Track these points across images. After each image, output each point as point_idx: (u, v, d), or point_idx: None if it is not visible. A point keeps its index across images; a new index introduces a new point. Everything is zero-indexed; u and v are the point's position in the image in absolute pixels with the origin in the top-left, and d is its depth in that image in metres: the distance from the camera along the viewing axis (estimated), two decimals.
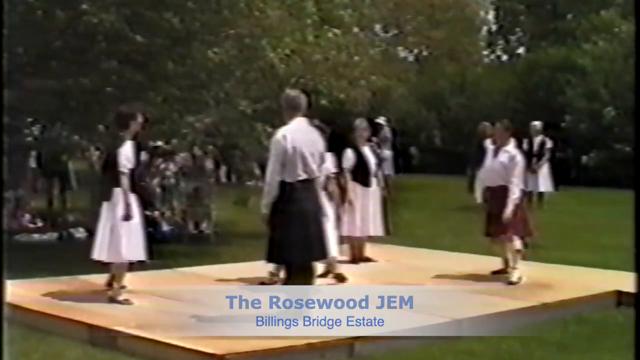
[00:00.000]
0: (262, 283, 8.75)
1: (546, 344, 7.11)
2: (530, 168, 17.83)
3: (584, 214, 16.31)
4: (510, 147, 9.38)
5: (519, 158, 9.35)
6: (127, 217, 7.79)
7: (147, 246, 8.02)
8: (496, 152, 9.43)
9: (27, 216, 13.61)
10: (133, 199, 7.89)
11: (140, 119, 8.20)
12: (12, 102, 8.83)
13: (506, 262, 9.32)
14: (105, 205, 7.91)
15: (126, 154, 7.94)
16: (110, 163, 7.95)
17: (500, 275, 9.29)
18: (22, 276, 7.97)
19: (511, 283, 9.03)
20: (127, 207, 7.80)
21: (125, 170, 7.88)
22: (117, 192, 7.84)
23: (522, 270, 9.20)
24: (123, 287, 8.02)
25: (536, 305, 8.11)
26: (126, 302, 7.83)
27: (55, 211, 14.85)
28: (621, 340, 6.62)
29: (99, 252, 7.90)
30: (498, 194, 9.18)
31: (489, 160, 9.49)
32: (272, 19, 11.24)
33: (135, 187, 7.94)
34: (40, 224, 13.58)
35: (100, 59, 11.19)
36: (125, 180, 7.85)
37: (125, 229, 7.80)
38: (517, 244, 9.29)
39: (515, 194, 9.13)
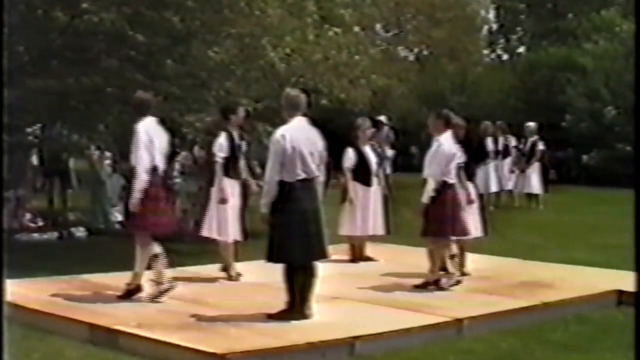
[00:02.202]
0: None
1: (547, 343, 7.11)
2: (519, 167, 17.88)
3: (584, 213, 16.30)
4: (444, 137, 8.72)
5: (443, 148, 8.63)
6: (222, 200, 8.79)
7: (242, 228, 9.05)
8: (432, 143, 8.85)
9: (28, 215, 13.61)
10: (228, 184, 8.85)
11: (242, 113, 9.20)
12: (12, 102, 8.82)
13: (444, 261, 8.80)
14: (211, 190, 9.01)
15: (220, 144, 8.92)
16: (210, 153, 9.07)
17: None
18: (22, 275, 7.97)
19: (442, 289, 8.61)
20: (221, 191, 8.86)
21: (219, 159, 8.90)
22: (219, 177, 8.91)
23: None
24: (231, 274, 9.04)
25: (537, 304, 8.11)
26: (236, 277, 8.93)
27: (56, 210, 14.85)
28: (622, 339, 6.61)
29: (207, 230, 9.07)
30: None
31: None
32: (272, 18, 11.24)
33: (231, 174, 8.91)
34: (40, 223, 13.58)
35: (100, 58, 11.21)
36: (218, 168, 8.89)
37: (222, 211, 8.83)
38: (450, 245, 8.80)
39: (431, 186, 8.56)
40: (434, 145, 8.70)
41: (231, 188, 9.05)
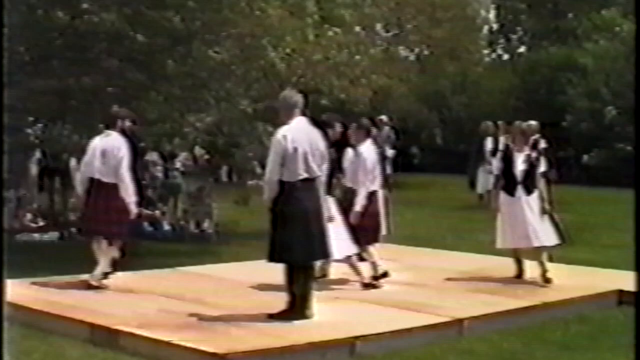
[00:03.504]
0: None
1: (548, 343, 7.11)
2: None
3: (584, 213, 16.28)
4: (364, 146, 8.76)
5: (365, 156, 8.66)
6: (330, 219, 8.00)
7: (351, 241, 8.50)
8: (352, 152, 8.83)
9: (29, 215, 13.61)
10: (330, 202, 8.14)
11: (338, 128, 8.87)
12: (13, 102, 8.83)
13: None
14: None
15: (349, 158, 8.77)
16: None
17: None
18: (23, 275, 7.97)
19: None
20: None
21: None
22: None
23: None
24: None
25: (537, 304, 8.11)
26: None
27: (57, 210, 14.84)
28: (622, 339, 6.61)
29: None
30: (350, 195, 8.67)
31: (346, 161, 8.85)
32: (273, 18, 11.24)
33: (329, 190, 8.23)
34: (41, 223, 13.58)
35: (101, 58, 11.20)
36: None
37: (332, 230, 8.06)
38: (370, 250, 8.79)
39: (361, 195, 8.57)
40: (353, 154, 8.72)
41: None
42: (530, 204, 9.02)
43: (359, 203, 8.59)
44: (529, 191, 9.03)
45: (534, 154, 9.30)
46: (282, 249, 7.12)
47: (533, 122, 18.28)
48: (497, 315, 7.70)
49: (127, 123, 9.08)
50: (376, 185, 8.86)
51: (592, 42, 25.79)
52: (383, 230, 10.46)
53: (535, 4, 33.19)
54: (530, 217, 8.97)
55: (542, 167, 9.21)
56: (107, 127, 9.04)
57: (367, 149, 8.81)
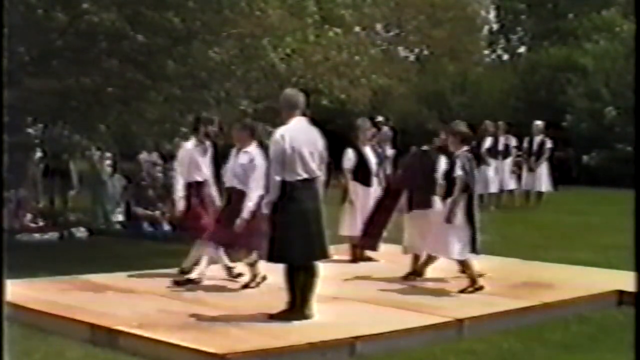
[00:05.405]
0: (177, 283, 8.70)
1: (548, 344, 7.11)
2: (528, 166, 17.91)
3: (584, 214, 16.29)
4: (251, 148, 8.45)
5: (259, 161, 8.31)
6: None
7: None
8: (237, 153, 8.54)
9: (29, 215, 13.62)
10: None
11: (443, 135, 9.11)
12: (13, 102, 8.83)
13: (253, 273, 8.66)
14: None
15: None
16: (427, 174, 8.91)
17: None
18: (23, 275, 7.97)
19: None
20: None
21: (441, 182, 8.71)
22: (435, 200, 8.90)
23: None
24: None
25: (537, 304, 8.11)
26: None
27: (57, 211, 14.86)
28: (622, 339, 6.61)
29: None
30: (236, 197, 8.39)
31: (230, 161, 8.63)
32: (273, 19, 11.24)
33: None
34: (41, 223, 13.59)
35: (101, 58, 11.21)
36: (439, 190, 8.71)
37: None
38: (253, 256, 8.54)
39: (252, 200, 8.22)
40: (242, 157, 8.41)
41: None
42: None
43: (248, 208, 8.23)
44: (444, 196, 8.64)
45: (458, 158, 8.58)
46: (282, 249, 7.12)
47: (539, 122, 18.32)
48: (497, 315, 7.69)
49: (212, 128, 9.11)
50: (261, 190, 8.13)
51: (592, 43, 25.82)
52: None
53: (535, 4, 33.22)
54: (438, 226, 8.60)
55: (458, 171, 8.49)
56: (194, 132, 9.13)
57: (257, 152, 8.41)
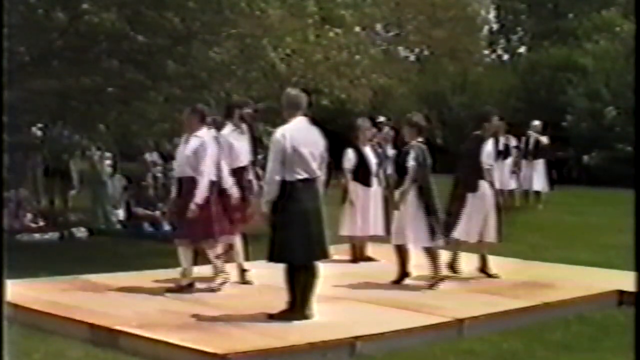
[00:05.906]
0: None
1: (548, 344, 7.10)
2: (518, 165, 17.85)
3: (585, 214, 16.30)
4: (202, 132, 8.25)
5: (210, 146, 8.20)
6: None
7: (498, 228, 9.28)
8: (187, 139, 8.31)
9: (29, 215, 13.62)
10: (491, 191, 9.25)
11: (494, 120, 9.83)
12: (13, 102, 8.84)
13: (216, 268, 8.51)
14: (470, 196, 9.25)
15: (487, 151, 9.42)
16: (473, 158, 9.34)
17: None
18: (23, 275, 7.96)
19: (212, 290, 8.37)
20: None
21: (487, 167, 9.36)
22: (482, 184, 9.26)
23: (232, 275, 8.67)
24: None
25: (538, 304, 8.10)
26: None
27: (57, 211, 14.86)
28: (623, 339, 6.61)
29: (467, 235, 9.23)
30: (187, 187, 8.18)
31: (180, 148, 8.42)
32: (273, 19, 11.24)
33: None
34: (41, 223, 13.59)
35: (101, 58, 11.21)
36: (487, 175, 9.31)
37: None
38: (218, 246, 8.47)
39: (203, 185, 8.07)
40: (193, 141, 8.20)
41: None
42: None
43: (200, 194, 8.07)
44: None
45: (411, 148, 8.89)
46: (282, 249, 7.11)
47: (536, 122, 18.32)
48: (497, 315, 7.69)
49: (247, 110, 8.93)
50: (215, 175, 8.22)
51: (592, 43, 25.84)
52: (380, 231, 10.50)
53: (535, 4, 33.25)
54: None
55: (411, 162, 8.83)
56: (227, 117, 8.85)
57: (208, 137, 8.26)
